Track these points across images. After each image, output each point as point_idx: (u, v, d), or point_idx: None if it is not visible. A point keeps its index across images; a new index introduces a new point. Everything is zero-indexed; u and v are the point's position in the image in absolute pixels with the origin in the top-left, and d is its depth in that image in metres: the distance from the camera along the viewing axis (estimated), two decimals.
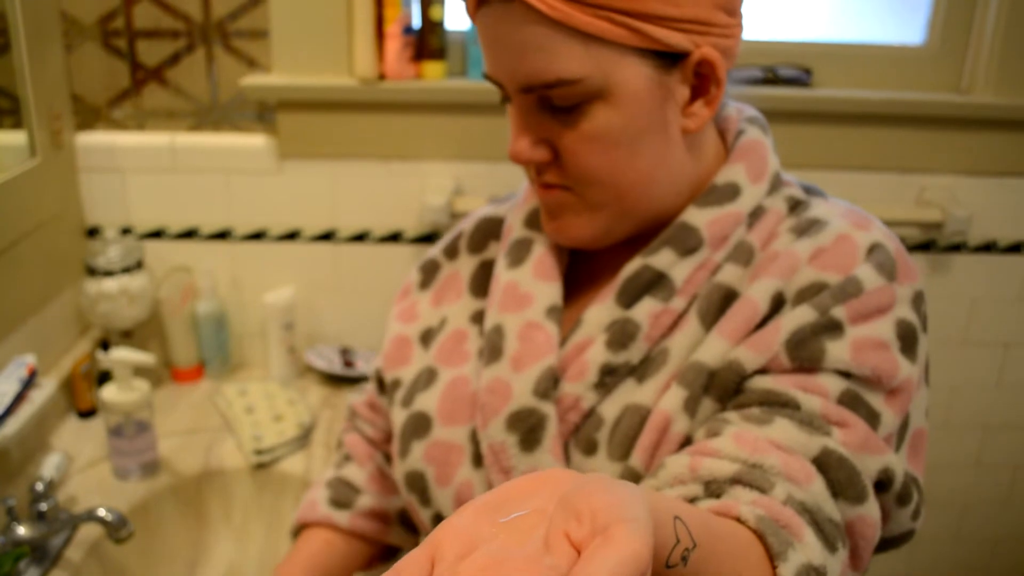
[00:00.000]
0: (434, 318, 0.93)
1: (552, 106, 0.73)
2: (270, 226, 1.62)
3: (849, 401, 0.69)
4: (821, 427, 0.67)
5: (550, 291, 0.82)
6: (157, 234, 1.61)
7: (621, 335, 0.77)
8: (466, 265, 0.93)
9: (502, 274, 0.86)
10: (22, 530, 1.10)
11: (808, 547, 0.59)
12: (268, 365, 1.63)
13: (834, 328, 0.70)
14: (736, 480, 0.63)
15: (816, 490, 0.64)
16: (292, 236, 1.63)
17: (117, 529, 1.12)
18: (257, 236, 1.62)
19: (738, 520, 0.58)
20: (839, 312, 0.71)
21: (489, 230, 0.93)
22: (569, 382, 0.78)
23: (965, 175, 1.63)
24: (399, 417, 0.89)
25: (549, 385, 0.78)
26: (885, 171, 1.63)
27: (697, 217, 0.78)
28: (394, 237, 1.63)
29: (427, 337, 0.92)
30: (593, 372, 0.77)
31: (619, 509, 0.39)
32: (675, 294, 0.77)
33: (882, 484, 0.70)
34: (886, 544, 0.78)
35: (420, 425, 0.85)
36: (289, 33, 1.51)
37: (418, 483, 0.85)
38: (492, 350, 0.82)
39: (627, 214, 0.78)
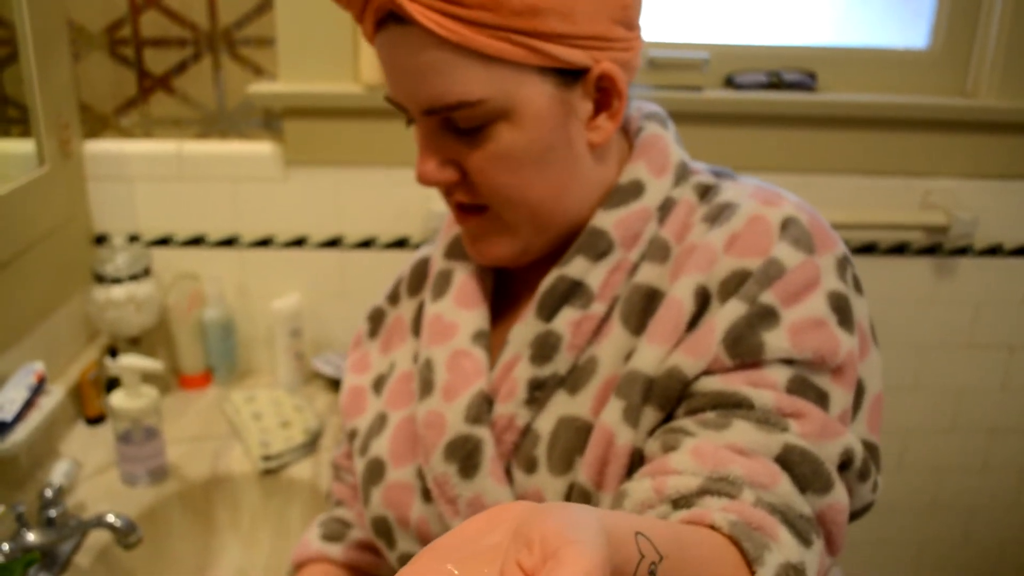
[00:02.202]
0: (384, 365, 0.93)
1: (456, 128, 0.73)
2: (277, 233, 1.63)
3: (798, 388, 0.68)
4: (778, 423, 0.66)
5: (474, 317, 0.83)
6: (164, 241, 1.62)
7: (544, 347, 0.77)
8: (407, 308, 0.94)
9: (428, 308, 0.86)
10: (32, 536, 1.11)
11: (784, 546, 0.59)
12: (275, 372, 1.64)
13: (768, 315, 0.69)
14: (703, 491, 0.62)
15: (783, 490, 0.63)
16: (299, 243, 1.63)
17: (126, 535, 1.12)
18: (264, 243, 1.63)
19: (711, 527, 0.57)
20: (767, 297, 0.69)
21: (423, 270, 0.94)
22: (501, 402, 0.78)
23: (970, 178, 1.63)
24: (359, 466, 0.89)
25: (481, 410, 0.78)
26: (890, 175, 1.63)
27: (605, 220, 0.77)
28: (400, 243, 1.63)
29: (379, 384, 0.93)
30: (522, 388, 0.77)
31: (567, 531, 0.39)
32: (593, 300, 0.76)
33: (843, 465, 0.69)
34: (848, 518, 0.76)
35: (375, 471, 0.86)
36: (295, 41, 1.52)
37: (382, 527, 0.86)
38: (424, 384, 0.82)
39: (543, 229, 0.78)
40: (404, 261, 1.61)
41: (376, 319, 0.99)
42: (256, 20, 1.53)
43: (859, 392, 0.74)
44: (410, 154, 1.57)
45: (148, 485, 1.32)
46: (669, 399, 0.71)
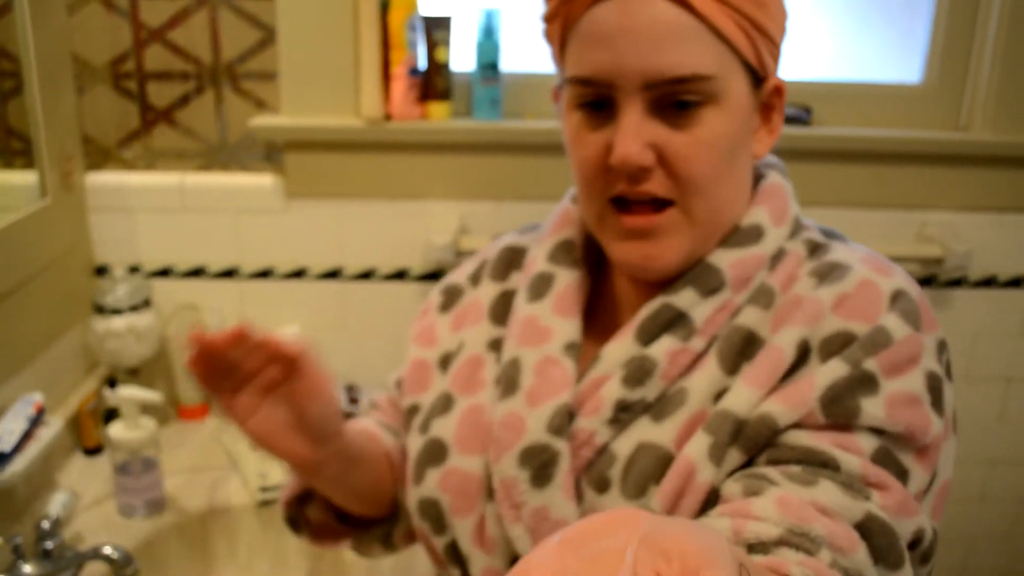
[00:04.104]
0: (452, 342, 0.92)
1: (669, 107, 0.72)
2: (277, 264, 1.64)
3: (882, 459, 0.69)
4: (862, 490, 0.66)
5: (569, 327, 0.82)
6: (165, 272, 1.63)
7: (638, 372, 0.76)
8: (487, 292, 0.92)
9: (522, 307, 0.85)
10: (28, 568, 1.11)
11: None
12: None
13: (868, 382, 0.69)
14: (782, 542, 0.62)
15: (860, 558, 0.63)
16: (299, 274, 1.64)
17: (123, 567, 1.12)
18: (264, 274, 1.64)
19: None
20: (871, 364, 0.70)
21: (512, 260, 0.92)
22: (584, 417, 0.78)
23: (965, 211, 1.65)
24: (415, 443, 0.87)
25: (563, 422, 0.78)
26: (886, 208, 1.64)
27: (721, 258, 0.78)
28: (400, 275, 1.64)
29: (445, 362, 0.91)
30: (608, 408, 0.77)
31: (710, 555, 0.39)
32: (695, 334, 0.76)
33: (912, 544, 0.70)
34: None
35: (436, 452, 0.85)
36: (297, 75, 1.54)
37: (432, 511, 0.84)
38: (508, 383, 0.81)
39: (710, 235, 0.78)
40: (403, 293, 1.64)
41: (452, 294, 0.96)
42: (259, 54, 1.55)
43: (931, 477, 0.74)
44: (410, 187, 1.59)
45: (145, 517, 1.32)
46: (756, 444, 0.71)
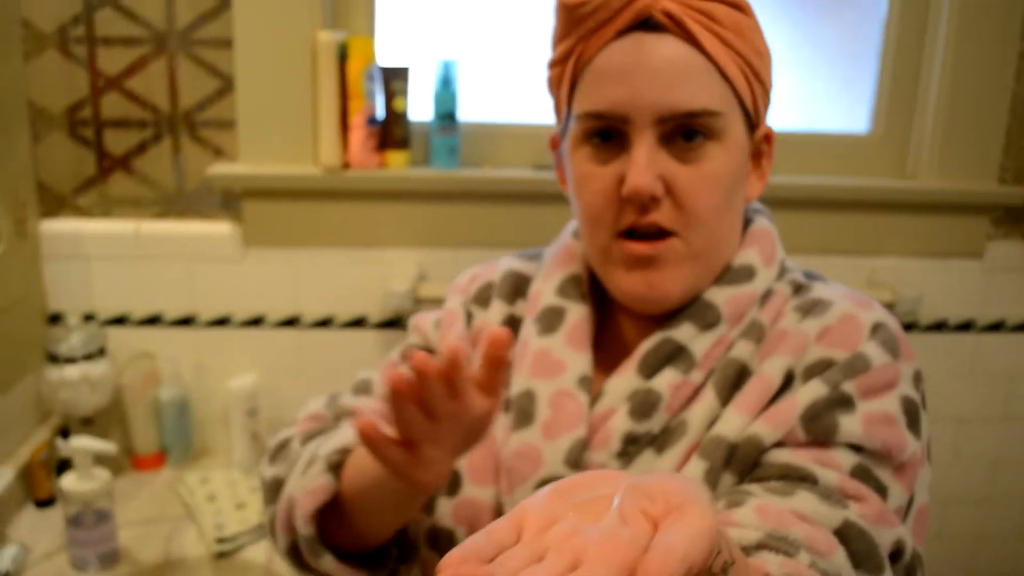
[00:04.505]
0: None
1: (678, 142, 0.77)
2: (234, 312, 1.63)
3: (861, 475, 0.72)
4: (840, 500, 0.70)
5: (581, 361, 0.83)
6: (120, 320, 1.62)
7: (644, 405, 0.79)
8: (496, 314, 0.92)
9: (532, 340, 0.86)
10: None
11: None
12: (231, 452, 1.62)
13: (845, 403, 0.74)
14: (762, 546, 0.65)
15: (838, 561, 0.66)
16: (256, 322, 1.64)
17: None
18: (221, 322, 1.63)
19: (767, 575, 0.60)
20: (849, 387, 0.74)
21: (517, 286, 0.93)
22: (594, 451, 0.79)
23: (913, 256, 1.69)
24: None
25: (580, 455, 0.79)
26: (837, 254, 1.68)
27: (717, 295, 0.82)
28: (358, 322, 1.64)
29: None
30: (616, 441, 0.78)
31: (691, 493, 0.43)
32: (694, 367, 0.80)
33: (893, 556, 0.72)
34: None
35: (450, 482, 0.84)
36: (255, 123, 1.55)
37: (445, 541, 0.84)
38: (522, 415, 0.82)
39: (709, 270, 0.81)
40: (362, 341, 1.63)
41: (463, 316, 0.93)
42: (217, 102, 1.56)
43: (909, 500, 0.77)
44: (368, 235, 1.60)
45: (98, 570, 1.30)
46: (746, 465, 0.75)
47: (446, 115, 1.55)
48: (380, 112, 1.54)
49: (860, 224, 1.67)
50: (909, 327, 1.72)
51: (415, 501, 0.77)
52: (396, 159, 1.57)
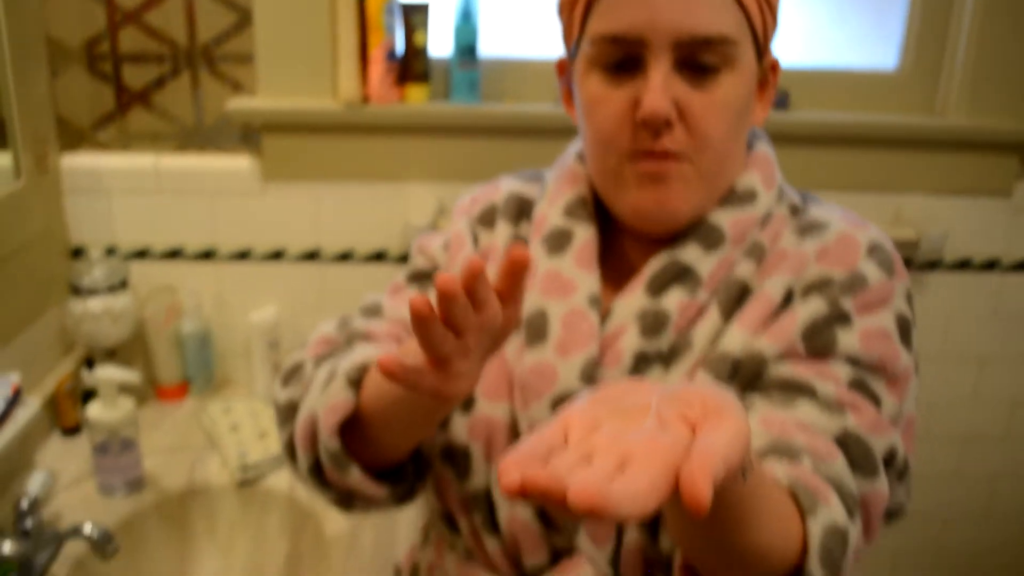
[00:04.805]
0: None
1: (692, 67, 0.77)
2: (255, 246, 1.64)
3: (857, 386, 0.76)
4: (838, 410, 0.73)
5: (591, 281, 0.85)
6: (142, 254, 1.63)
7: (653, 324, 0.81)
8: (502, 236, 0.92)
9: (540, 261, 0.87)
10: (7, 547, 1.11)
11: (834, 509, 0.64)
12: (252, 383, 1.65)
13: (843, 319, 0.77)
14: (767, 453, 0.68)
15: (838, 466, 0.69)
16: (277, 256, 1.64)
17: (102, 546, 1.13)
18: (242, 256, 1.64)
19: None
20: (847, 304, 0.78)
21: (521, 208, 0.94)
22: (607, 368, 0.81)
23: (939, 195, 1.67)
24: None
25: (594, 372, 0.80)
26: (862, 191, 1.66)
27: (722, 217, 0.83)
28: (378, 257, 1.65)
29: None
30: (628, 358, 0.80)
31: (726, 400, 0.47)
32: (700, 287, 0.82)
33: (887, 461, 0.76)
34: (883, 518, 0.82)
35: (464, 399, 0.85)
36: (274, 57, 1.54)
37: (461, 458, 0.85)
38: (535, 333, 0.83)
39: (716, 190, 0.83)
40: (382, 274, 1.64)
41: (469, 238, 0.93)
42: (235, 36, 1.55)
43: (901, 406, 0.80)
44: (388, 169, 1.59)
45: (125, 496, 1.33)
46: (750, 380, 0.78)
47: (466, 49, 1.54)
48: (400, 46, 1.53)
49: (887, 161, 1.64)
50: (933, 265, 1.70)
51: (441, 413, 0.77)
52: (416, 93, 1.56)
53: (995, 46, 1.59)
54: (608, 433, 0.45)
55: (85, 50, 1.54)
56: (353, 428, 0.80)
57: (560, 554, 0.84)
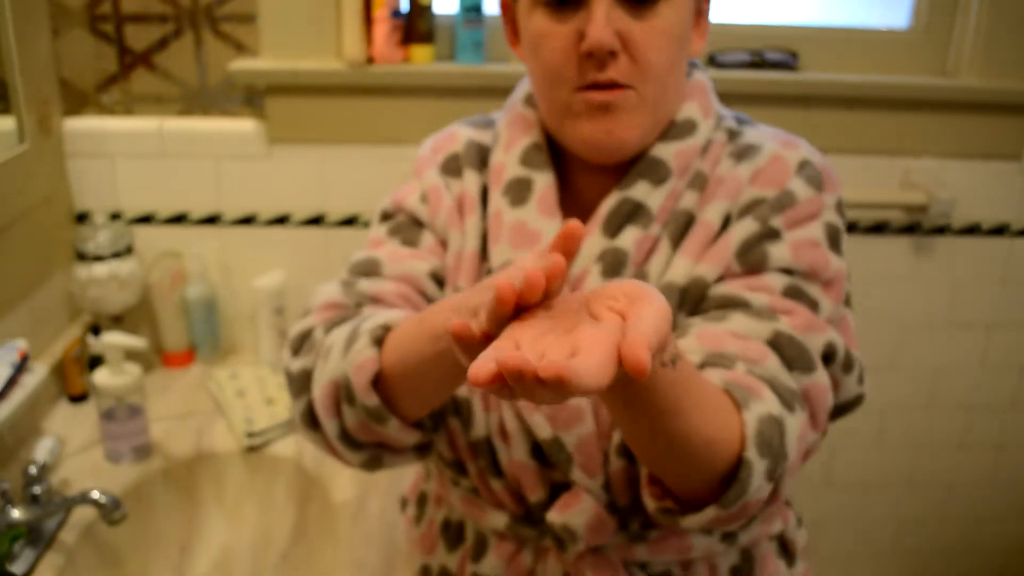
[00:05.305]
0: (457, 240, 0.92)
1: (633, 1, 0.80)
2: (260, 210, 1.62)
3: (793, 293, 0.81)
4: (771, 317, 0.79)
5: (555, 227, 0.86)
6: (146, 219, 1.62)
7: (614, 263, 0.84)
8: (472, 184, 0.93)
9: (505, 212, 0.88)
10: (16, 513, 1.11)
11: (767, 401, 0.71)
12: (259, 349, 1.64)
13: (774, 235, 0.82)
14: (704, 364, 0.75)
15: (771, 365, 0.75)
16: (282, 220, 1.63)
17: (110, 512, 1.13)
18: (247, 220, 1.63)
19: None
20: (776, 221, 0.83)
21: (480, 155, 0.96)
22: None
23: (950, 158, 1.65)
24: None
25: None
26: (871, 153, 1.64)
27: (665, 151, 0.86)
28: None
29: (457, 257, 0.92)
30: None
31: (643, 288, 0.54)
32: (652, 222, 0.85)
33: (827, 357, 0.81)
34: (841, 410, 0.87)
35: None
36: (277, 17, 1.51)
37: (464, 409, 0.88)
38: None
39: (660, 121, 0.86)
40: None
41: (446, 189, 0.94)
42: None
43: (838, 307, 0.85)
44: (393, 131, 1.58)
45: (132, 462, 1.33)
46: (695, 305, 0.83)
47: (472, 7, 1.51)
48: (404, 5, 1.51)
49: (897, 123, 1.62)
50: (941, 231, 1.69)
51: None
52: (421, 53, 1.54)
53: (1009, 6, 1.56)
54: (555, 333, 0.52)
55: (87, 10, 1.52)
56: (375, 385, 0.80)
57: (559, 489, 0.88)
